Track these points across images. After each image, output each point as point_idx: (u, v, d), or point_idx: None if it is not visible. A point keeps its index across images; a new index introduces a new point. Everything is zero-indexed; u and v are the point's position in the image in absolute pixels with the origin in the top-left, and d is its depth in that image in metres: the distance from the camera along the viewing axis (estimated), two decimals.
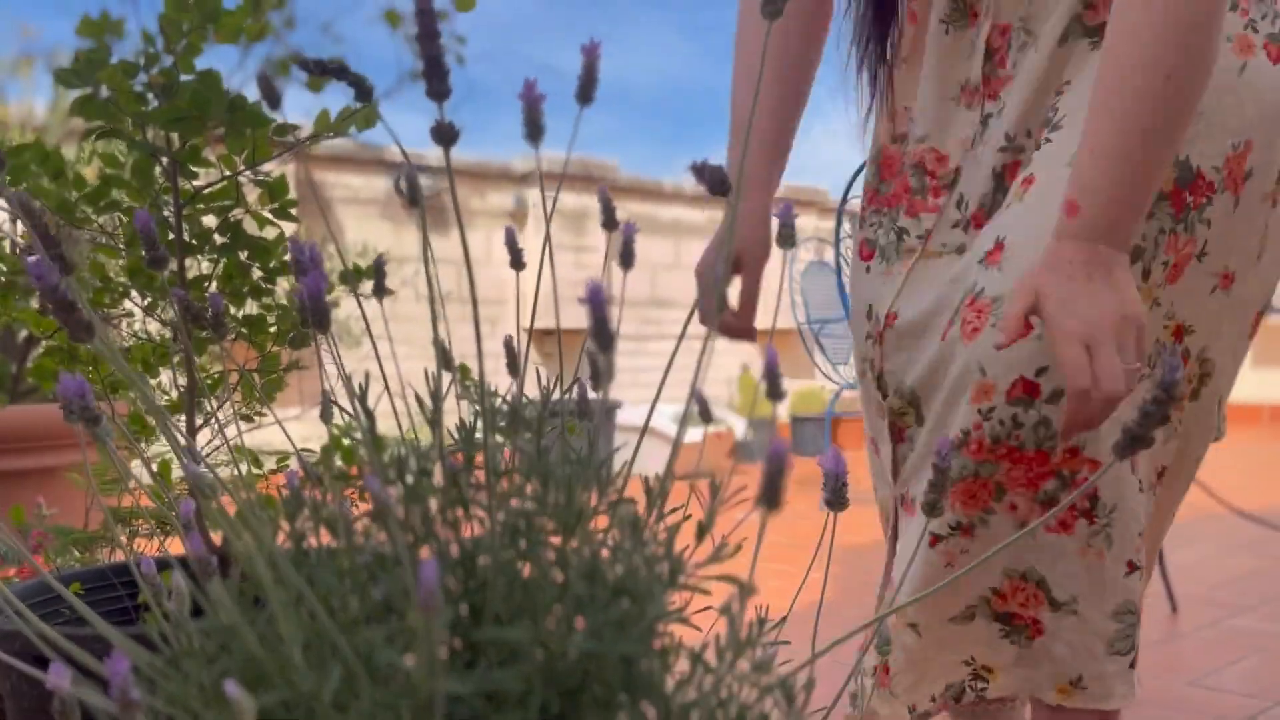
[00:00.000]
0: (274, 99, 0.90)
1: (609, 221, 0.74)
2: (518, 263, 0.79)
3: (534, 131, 0.57)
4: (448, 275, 5.43)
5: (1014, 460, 0.99)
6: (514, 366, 0.76)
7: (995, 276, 1.01)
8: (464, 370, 0.75)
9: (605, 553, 0.52)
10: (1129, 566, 1.02)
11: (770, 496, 0.44)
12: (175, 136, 1.05)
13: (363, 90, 0.90)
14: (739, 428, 5.54)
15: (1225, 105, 0.98)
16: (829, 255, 5.66)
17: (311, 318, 0.54)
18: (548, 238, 0.70)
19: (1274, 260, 1.08)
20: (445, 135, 0.55)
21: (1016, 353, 0.96)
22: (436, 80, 0.54)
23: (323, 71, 0.97)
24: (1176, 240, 1.00)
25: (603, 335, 0.45)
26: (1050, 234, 0.92)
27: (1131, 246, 0.93)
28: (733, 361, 6.51)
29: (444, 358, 0.68)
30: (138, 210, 0.76)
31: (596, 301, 0.44)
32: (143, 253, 0.77)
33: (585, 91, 0.62)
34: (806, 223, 6.71)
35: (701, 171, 0.58)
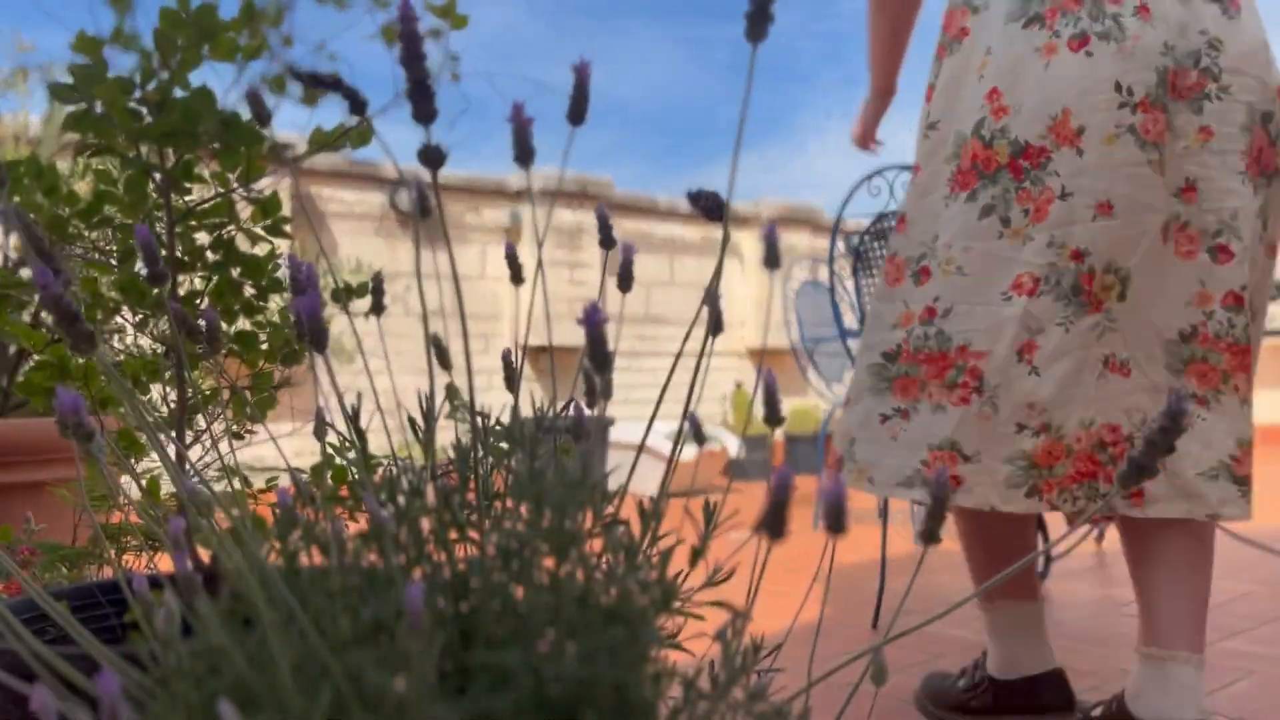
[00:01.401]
0: (264, 115, 0.90)
1: (606, 240, 0.74)
2: (517, 277, 0.78)
3: (524, 155, 0.57)
4: (441, 291, 5.43)
5: (930, 362, 1.39)
6: (511, 382, 0.75)
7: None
8: (452, 391, 0.74)
9: (599, 576, 0.52)
10: (1017, 427, 1.34)
11: (774, 526, 0.43)
12: (170, 153, 1.04)
13: (357, 103, 0.90)
14: (733, 445, 5.52)
15: (1034, 93, 1.33)
16: (823, 274, 5.66)
17: (308, 338, 0.54)
18: (540, 260, 0.70)
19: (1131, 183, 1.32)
20: (433, 158, 0.55)
21: (924, 290, 1.40)
22: (423, 103, 0.54)
23: (317, 83, 0.97)
24: (1028, 194, 1.33)
25: (599, 357, 0.45)
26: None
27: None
28: (726, 379, 6.51)
29: (442, 354, 0.67)
30: (137, 225, 0.76)
31: (593, 324, 0.43)
32: (135, 268, 0.77)
33: (577, 111, 0.61)
34: (800, 240, 6.71)
35: (698, 199, 0.59)
